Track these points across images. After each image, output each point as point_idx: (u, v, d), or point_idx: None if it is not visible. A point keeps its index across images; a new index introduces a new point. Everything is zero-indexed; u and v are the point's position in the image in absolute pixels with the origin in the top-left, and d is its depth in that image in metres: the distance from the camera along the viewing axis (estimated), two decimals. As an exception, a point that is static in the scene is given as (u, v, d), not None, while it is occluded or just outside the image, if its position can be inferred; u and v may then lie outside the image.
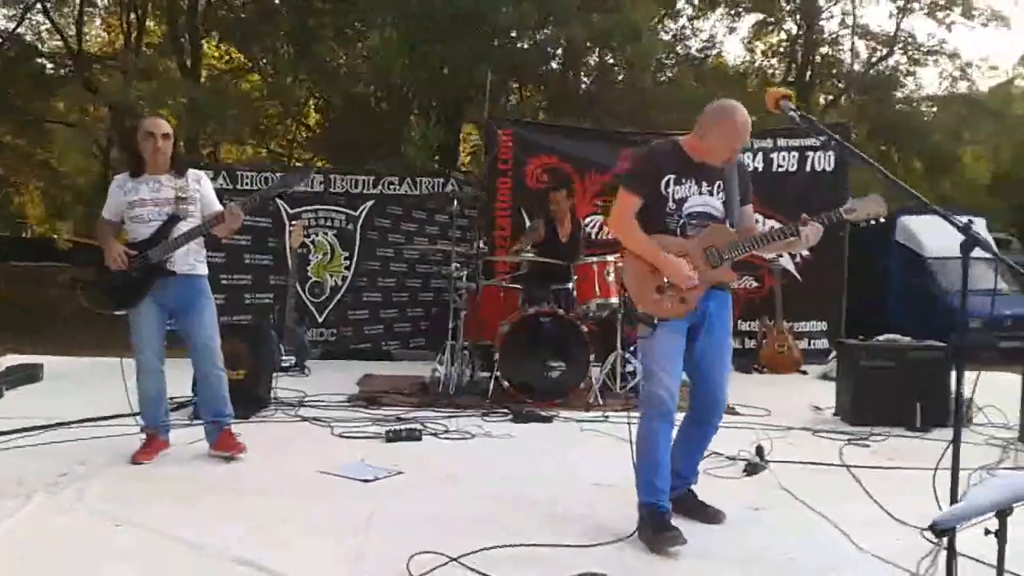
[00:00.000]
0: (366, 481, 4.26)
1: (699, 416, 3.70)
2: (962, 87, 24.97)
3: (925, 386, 5.66)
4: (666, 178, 3.48)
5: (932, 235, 12.84)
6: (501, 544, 3.30)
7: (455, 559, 3.15)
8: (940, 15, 23.99)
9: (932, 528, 2.19)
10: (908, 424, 5.60)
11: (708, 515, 3.71)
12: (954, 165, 25.44)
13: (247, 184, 8.59)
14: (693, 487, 3.82)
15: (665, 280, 3.43)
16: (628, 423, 3.74)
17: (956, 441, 2.55)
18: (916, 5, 24.30)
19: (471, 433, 5.33)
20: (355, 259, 8.86)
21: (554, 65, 20.01)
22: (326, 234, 8.81)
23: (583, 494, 4.14)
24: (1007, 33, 48.51)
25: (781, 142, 8.69)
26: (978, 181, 28.39)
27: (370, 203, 8.86)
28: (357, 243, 8.85)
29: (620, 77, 19.84)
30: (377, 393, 6.57)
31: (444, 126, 18.69)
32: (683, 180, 3.50)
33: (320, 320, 8.77)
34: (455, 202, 6.71)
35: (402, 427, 5.30)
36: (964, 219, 2.90)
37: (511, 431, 5.48)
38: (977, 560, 2.94)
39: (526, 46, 16.81)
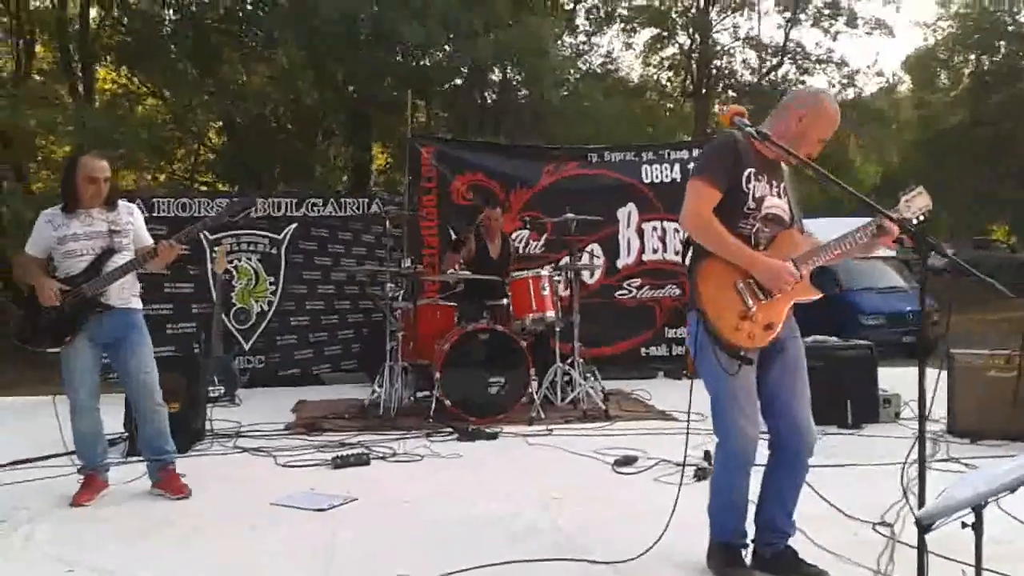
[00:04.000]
0: (320, 510, 4.18)
1: (785, 456, 3.20)
2: (850, 93, 26.19)
3: (853, 384, 5.89)
4: (747, 171, 3.03)
5: (832, 237, 13.36)
6: (477, 565, 3.29)
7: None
8: (826, 25, 25.19)
9: (916, 523, 2.30)
10: (840, 422, 5.83)
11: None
12: (845, 168, 26.65)
13: (163, 212, 8.36)
14: (791, 542, 3.27)
15: (750, 305, 3.00)
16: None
17: (921, 440, 2.65)
18: (803, 16, 25.45)
19: (419, 455, 5.30)
20: (280, 283, 8.68)
21: (458, 82, 20.13)
22: (249, 259, 8.61)
23: (542, 508, 4.16)
24: (891, 40, 51.22)
25: (696, 152, 8.93)
26: (868, 183, 29.76)
27: (293, 226, 8.70)
28: (282, 267, 8.68)
29: (524, 93, 20.09)
30: (316, 419, 6.46)
31: (355, 145, 18.56)
32: (760, 176, 3.07)
33: (247, 347, 8.56)
34: (387, 222, 6.67)
35: (348, 453, 5.23)
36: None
37: (459, 450, 5.46)
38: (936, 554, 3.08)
39: (428, 63, 16.87)
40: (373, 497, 4.41)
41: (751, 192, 3.04)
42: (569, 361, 6.85)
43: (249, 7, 17.01)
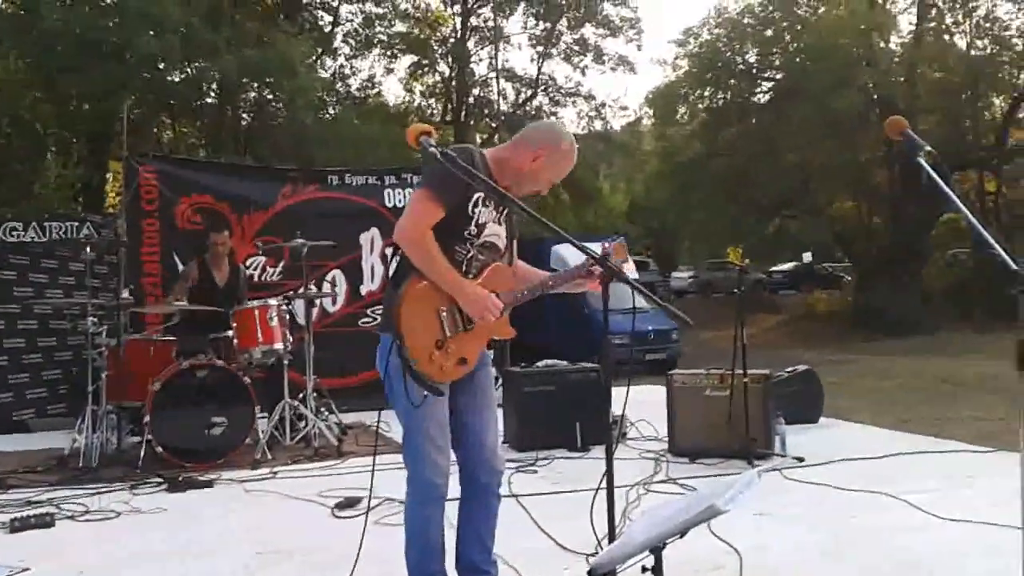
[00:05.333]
0: (-20, 585, 3.58)
1: (474, 489, 3.08)
2: (598, 125, 27.59)
3: (583, 407, 5.93)
4: (477, 195, 2.85)
5: (582, 261, 13.85)
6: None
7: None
8: (575, 60, 26.42)
9: (590, 574, 2.16)
10: (570, 445, 5.84)
11: None
12: (595, 196, 28.03)
13: None
14: None
15: (446, 333, 2.82)
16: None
17: (609, 469, 2.56)
18: (554, 51, 26.55)
19: (115, 511, 4.68)
20: (-28, 319, 7.60)
21: (210, 100, 19.12)
22: (-66, 293, 7.49)
23: (242, 567, 3.77)
24: (634, 77, 55.07)
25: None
26: (617, 209, 31.48)
27: (-13, 253, 7.67)
28: (-27, 300, 7.61)
29: (279, 114, 19.41)
30: (4, 474, 5.62)
31: (88, 164, 17.10)
32: (488, 202, 2.90)
33: (-67, 393, 7.41)
34: (87, 248, 5.98)
35: (30, 513, 4.56)
36: (603, 244, 3.03)
37: (164, 503, 4.89)
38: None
39: (177, 79, 15.88)
40: (49, 565, 3.84)
41: (476, 217, 2.88)
42: (301, 395, 6.44)
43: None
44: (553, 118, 26.26)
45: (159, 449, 5.66)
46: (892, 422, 7.35)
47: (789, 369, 6.87)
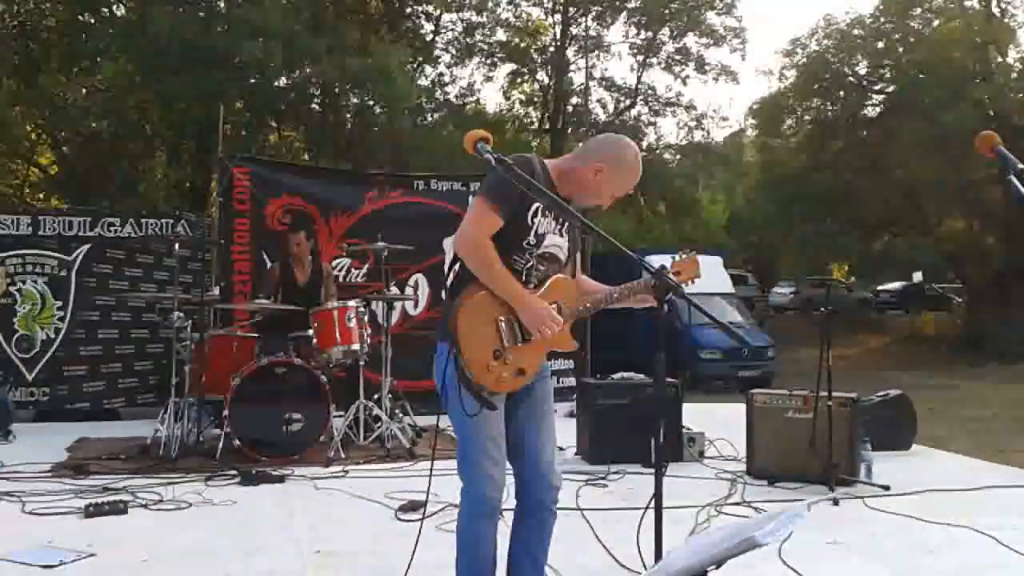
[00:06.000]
0: (48, 567, 3.66)
1: (529, 503, 2.99)
2: (698, 136, 27.13)
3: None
4: (537, 205, 2.80)
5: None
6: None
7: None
8: (676, 70, 26.06)
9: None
10: (644, 461, 5.67)
11: None
12: (694, 207, 27.54)
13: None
14: None
15: (504, 343, 2.75)
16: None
17: (657, 488, 2.44)
18: (654, 60, 26.25)
19: (188, 502, 4.78)
20: (70, 309, 7.89)
21: (314, 105, 19.62)
22: (35, 282, 7.80)
23: (300, 564, 3.79)
24: (736, 87, 53.99)
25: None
26: (716, 222, 30.84)
27: (87, 246, 7.98)
28: (72, 291, 7.92)
29: (379, 120, 19.78)
30: (87, 460, 5.83)
31: (194, 164, 17.75)
32: (548, 212, 2.84)
33: (30, 378, 7.73)
34: (176, 245, 6.15)
35: (105, 499, 4.69)
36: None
37: (236, 496, 4.97)
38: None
39: (282, 84, 16.36)
40: (114, 552, 3.91)
41: (535, 227, 2.82)
42: (376, 397, 6.47)
43: (83, 19, 16.09)
44: (651, 128, 26.02)
45: (236, 442, 5.77)
46: (988, 453, 6.91)
47: (881, 393, 6.52)
